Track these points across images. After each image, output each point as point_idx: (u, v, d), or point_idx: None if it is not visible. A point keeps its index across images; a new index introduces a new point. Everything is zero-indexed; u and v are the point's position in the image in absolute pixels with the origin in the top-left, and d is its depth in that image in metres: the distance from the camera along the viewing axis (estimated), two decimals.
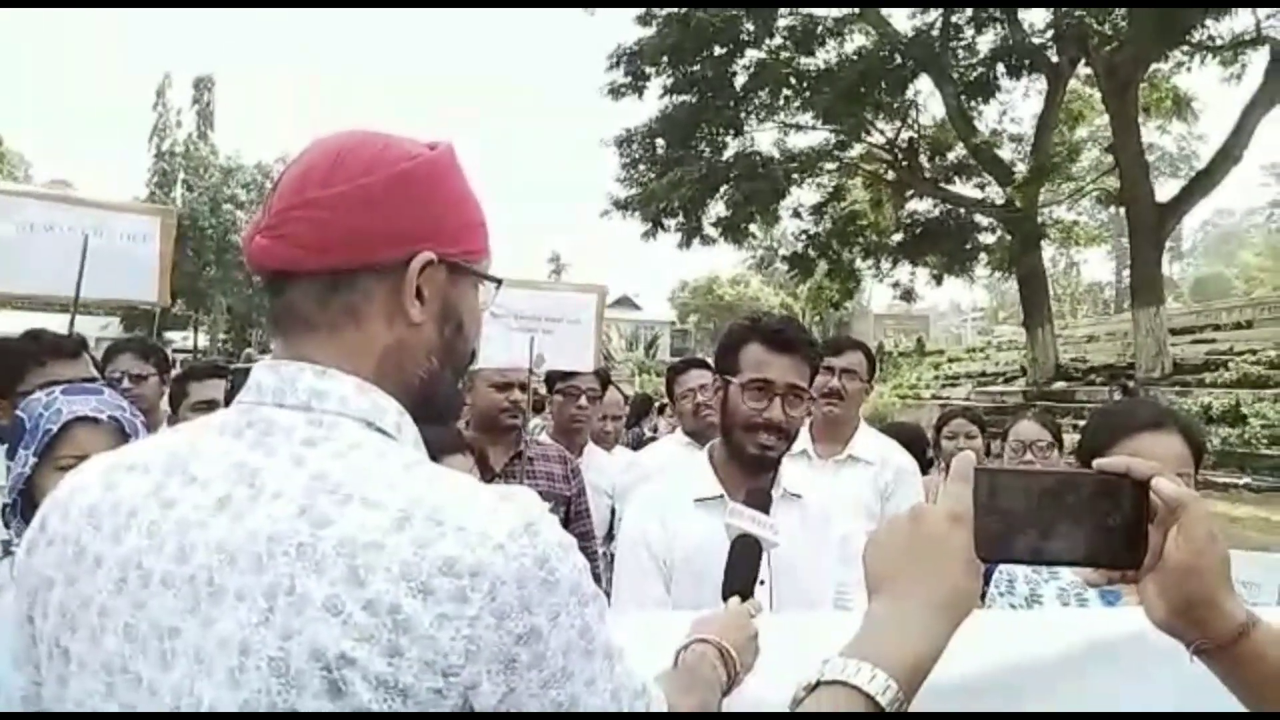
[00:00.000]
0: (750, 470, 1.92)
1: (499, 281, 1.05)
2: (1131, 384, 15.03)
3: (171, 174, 42.74)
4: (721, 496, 1.92)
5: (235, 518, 0.83)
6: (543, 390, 3.64)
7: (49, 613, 0.89)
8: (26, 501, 1.58)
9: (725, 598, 1.46)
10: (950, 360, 32.30)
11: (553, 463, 3.21)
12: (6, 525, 1.66)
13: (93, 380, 2.30)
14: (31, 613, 0.92)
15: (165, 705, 0.81)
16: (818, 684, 0.76)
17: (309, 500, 0.82)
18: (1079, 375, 21.56)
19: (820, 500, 2.00)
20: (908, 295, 26.57)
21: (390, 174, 0.91)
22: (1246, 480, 14.03)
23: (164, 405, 3.25)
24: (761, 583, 1.60)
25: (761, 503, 1.76)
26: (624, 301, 61.61)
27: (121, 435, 1.64)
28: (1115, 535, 0.85)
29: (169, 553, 0.84)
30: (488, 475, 3.05)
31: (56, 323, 3.63)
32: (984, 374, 27.09)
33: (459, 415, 1.08)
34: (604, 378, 3.82)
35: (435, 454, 1.85)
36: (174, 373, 3.61)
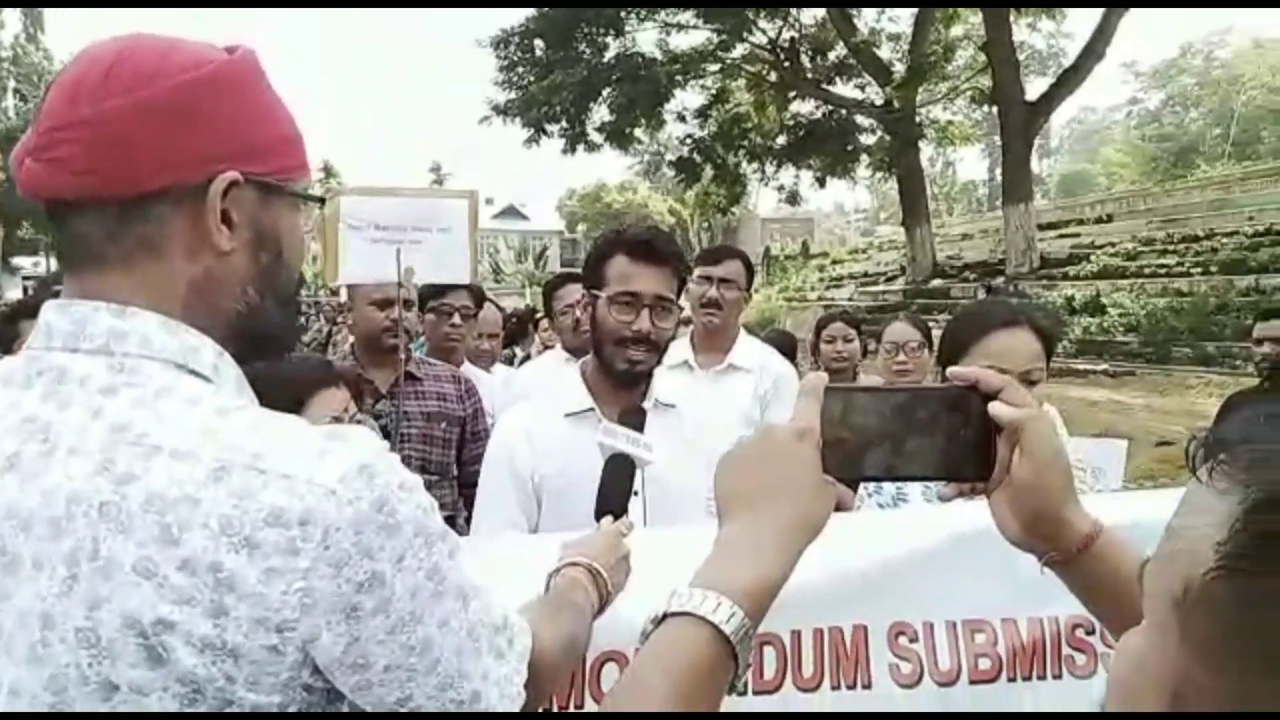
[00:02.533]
0: (621, 384, 1.90)
1: (321, 200, 0.96)
2: (996, 283, 15.72)
3: None
4: (592, 409, 1.90)
5: (27, 478, 0.75)
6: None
7: None
8: None
9: (598, 517, 1.45)
10: (834, 262, 33.10)
11: (444, 382, 3.09)
12: None
13: None
14: None
15: None
16: (664, 616, 0.74)
17: (109, 455, 0.74)
18: (954, 273, 22.47)
19: (693, 410, 2.00)
20: (792, 198, 26.96)
21: (176, 83, 0.80)
22: (1104, 366, 15.02)
23: None
24: (635, 494, 1.60)
25: (636, 421, 1.74)
26: (510, 211, 60.43)
27: None
28: (965, 449, 0.86)
29: None
30: (374, 399, 2.94)
31: None
32: (866, 274, 27.90)
33: (292, 348, 1.01)
34: (478, 294, 3.71)
35: (303, 390, 1.78)
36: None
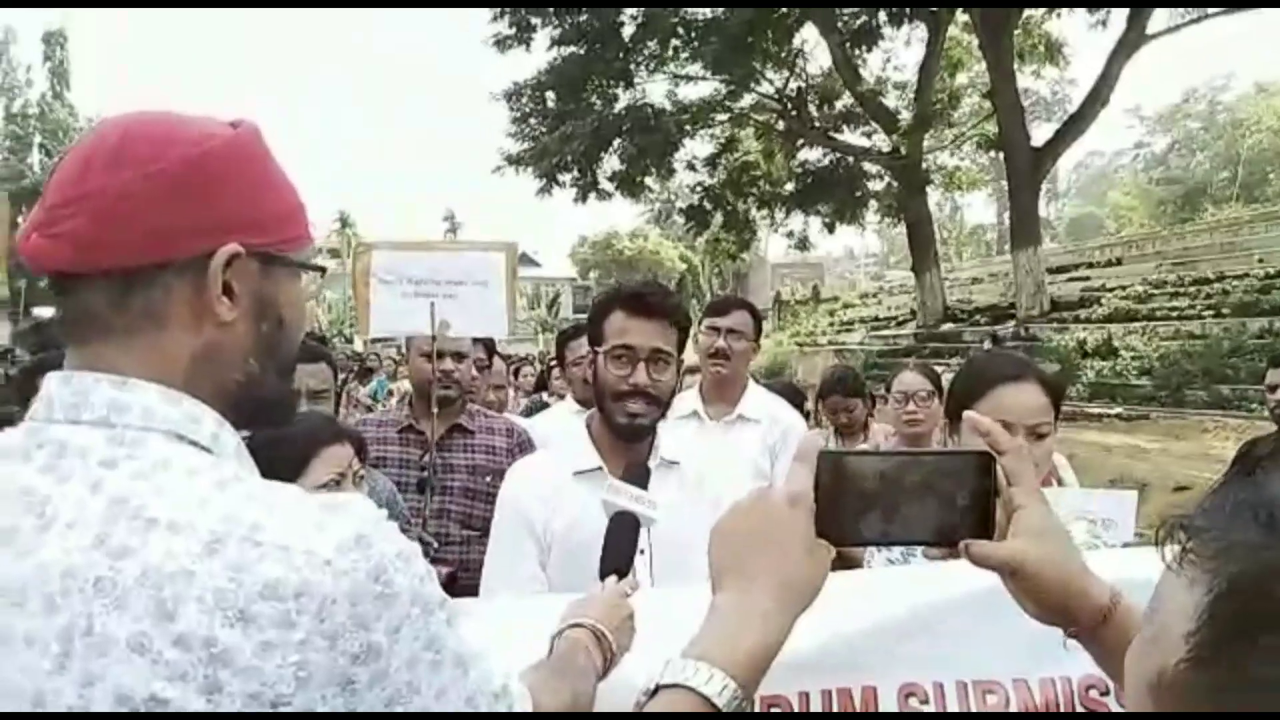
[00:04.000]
0: (624, 440, 1.91)
1: (323, 270, 0.97)
2: (1001, 334, 15.68)
3: (26, 137, 39.87)
4: (600, 468, 1.89)
5: (22, 553, 0.75)
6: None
7: None
8: None
9: (602, 576, 1.44)
10: (845, 306, 33.15)
11: (496, 435, 3.09)
12: None
13: None
14: None
15: None
16: (657, 688, 0.74)
17: (106, 528, 0.74)
18: (965, 316, 22.45)
19: (696, 464, 2.00)
20: (802, 244, 27.10)
21: (182, 159, 0.82)
22: (1118, 410, 14.90)
23: None
24: (642, 552, 1.59)
25: (640, 477, 1.74)
26: (523, 259, 60.53)
27: None
28: (963, 513, 0.85)
29: None
30: (422, 450, 2.93)
31: None
32: (877, 318, 27.90)
33: (292, 417, 1.01)
34: (489, 346, 3.73)
35: (307, 448, 1.79)
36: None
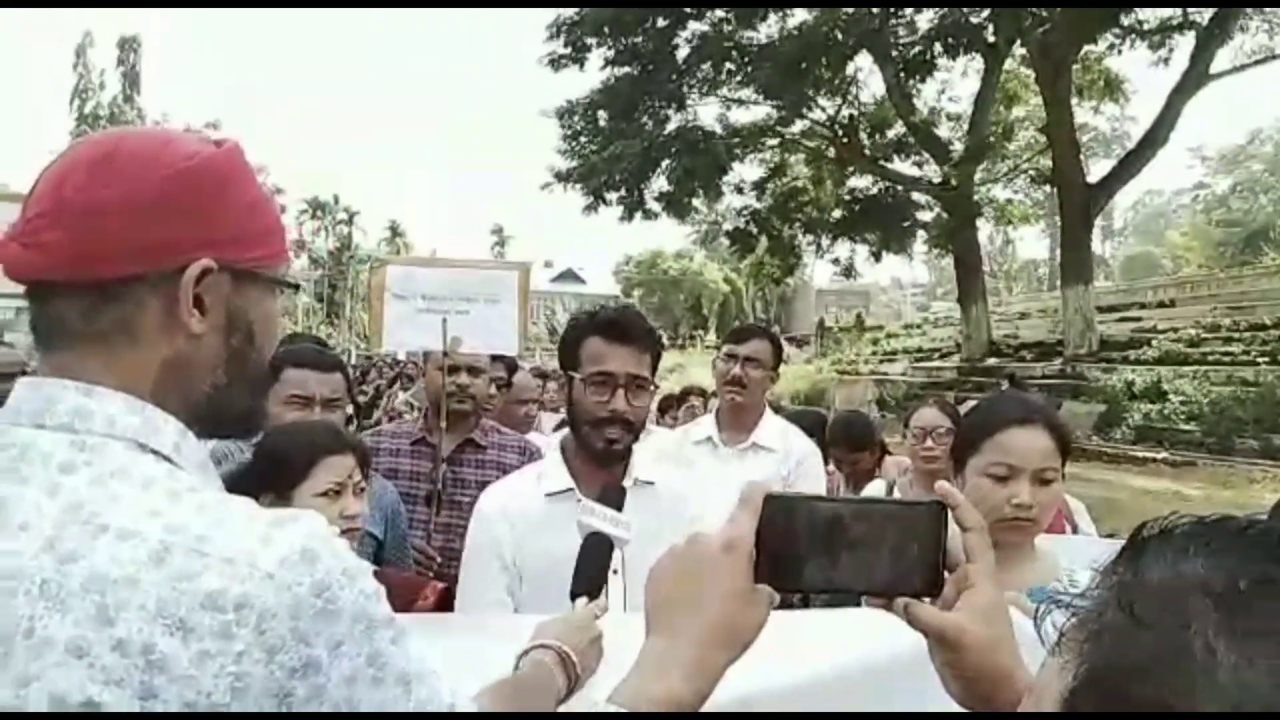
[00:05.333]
0: (600, 463, 1.92)
1: (296, 287, 0.99)
2: (1016, 375, 15.31)
3: None
4: (572, 489, 1.91)
5: None
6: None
7: None
8: None
9: (573, 598, 1.44)
10: (888, 336, 32.84)
11: (508, 451, 3.10)
12: None
13: None
14: None
15: None
16: None
17: (58, 532, 0.76)
18: (1010, 352, 22.09)
19: (671, 485, 2.00)
20: (848, 271, 26.93)
21: (159, 177, 0.84)
22: (1164, 455, 14.54)
23: None
24: (615, 572, 1.59)
25: (615, 500, 1.74)
26: (568, 275, 61.33)
27: None
28: (913, 565, 0.83)
29: None
30: (433, 464, 2.96)
31: None
32: (920, 350, 27.59)
33: (259, 428, 1.03)
34: (509, 363, 3.75)
35: (310, 455, 1.82)
36: None
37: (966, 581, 0.82)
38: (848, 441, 3.89)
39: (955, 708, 0.83)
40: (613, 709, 0.73)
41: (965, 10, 20.75)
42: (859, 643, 1.46)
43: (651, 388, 1.96)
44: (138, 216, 0.83)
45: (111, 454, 0.82)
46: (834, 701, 1.38)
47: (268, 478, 1.80)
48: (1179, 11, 19.04)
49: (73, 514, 0.77)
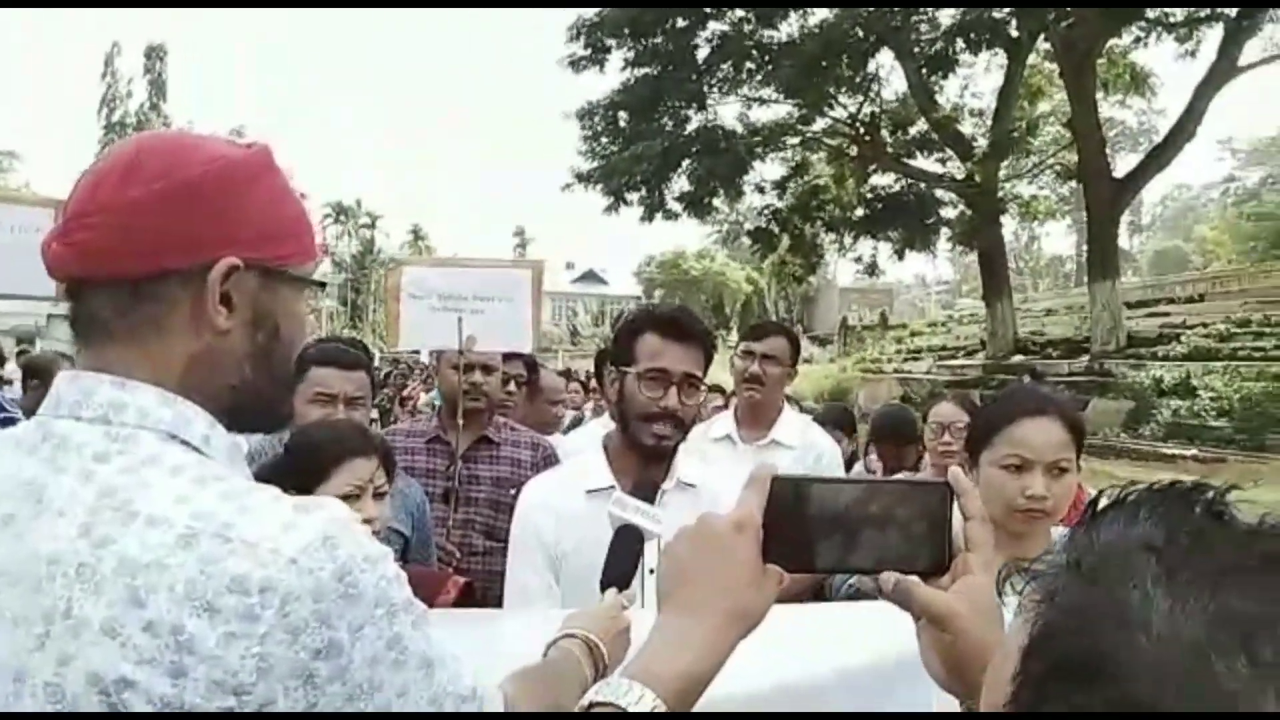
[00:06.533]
0: (646, 460, 1.93)
1: (323, 285, 1.03)
2: (1038, 370, 15.05)
3: None
4: (613, 485, 1.91)
5: (17, 537, 0.82)
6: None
7: None
8: None
9: (603, 588, 1.46)
10: (912, 334, 32.53)
11: (522, 449, 3.15)
12: None
13: None
14: None
15: None
16: (591, 705, 0.76)
17: (92, 518, 0.80)
18: (1036, 349, 21.86)
19: (712, 485, 2.01)
20: (871, 269, 26.77)
21: (188, 178, 0.88)
22: (1194, 451, 14.34)
23: None
24: (651, 571, 1.60)
25: (647, 493, 1.76)
26: (590, 276, 61.33)
27: None
28: (919, 543, 0.85)
29: None
30: (449, 461, 3.01)
31: None
32: (945, 347, 27.32)
33: (284, 424, 1.06)
34: (530, 362, 3.79)
35: (332, 457, 1.84)
36: None
37: (963, 568, 0.83)
38: (895, 436, 3.89)
39: (955, 707, 0.85)
40: (636, 686, 0.75)
41: (987, 6, 20.57)
42: (864, 639, 1.47)
43: (702, 388, 1.97)
44: (167, 215, 0.87)
45: (143, 444, 0.86)
46: (835, 698, 1.40)
47: (290, 475, 1.83)
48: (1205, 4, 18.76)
49: (105, 500, 0.81)
